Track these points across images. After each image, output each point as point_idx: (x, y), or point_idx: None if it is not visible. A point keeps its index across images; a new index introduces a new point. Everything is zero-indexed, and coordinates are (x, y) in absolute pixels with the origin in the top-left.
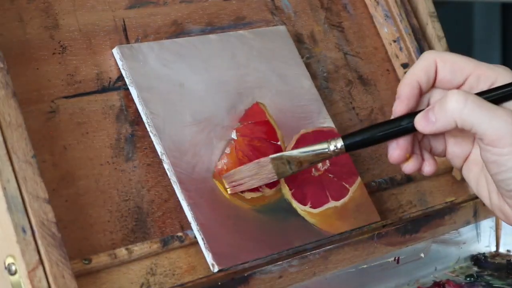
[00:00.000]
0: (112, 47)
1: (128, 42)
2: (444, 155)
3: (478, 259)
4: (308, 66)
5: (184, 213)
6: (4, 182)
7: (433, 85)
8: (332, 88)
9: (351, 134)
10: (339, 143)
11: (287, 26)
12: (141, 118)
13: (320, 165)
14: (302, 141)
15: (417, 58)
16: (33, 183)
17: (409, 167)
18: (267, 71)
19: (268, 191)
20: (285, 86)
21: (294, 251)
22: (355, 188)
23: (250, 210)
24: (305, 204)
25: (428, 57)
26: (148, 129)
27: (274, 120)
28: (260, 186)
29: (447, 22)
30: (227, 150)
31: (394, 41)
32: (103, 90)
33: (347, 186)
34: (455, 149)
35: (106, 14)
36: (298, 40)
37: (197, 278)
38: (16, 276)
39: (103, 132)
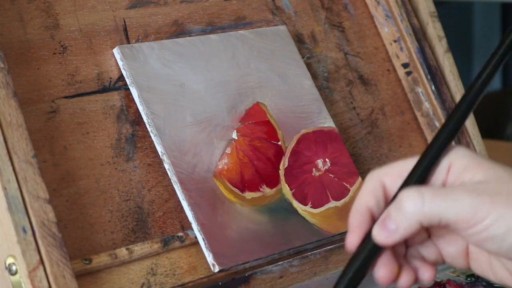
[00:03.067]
0: (113, 47)
1: (128, 42)
2: (443, 261)
3: None
4: (308, 66)
5: (185, 213)
6: (5, 182)
7: (386, 205)
8: (333, 88)
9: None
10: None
11: (288, 26)
12: (142, 118)
13: (320, 165)
14: (302, 141)
15: (418, 58)
16: (34, 183)
17: (403, 282)
18: (267, 71)
19: (268, 191)
20: (286, 86)
21: (294, 251)
22: (355, 188)
23: (250, 210)
24: (305, 204)
25: (371, 178)
26: (149, 129)
27: (274, 120)
28: (261, 186)
29: (447, 22)
30: (228, 150)
31: (395, 41)
32: (104, 90)
33: (347, 186)
34: (450, 249)
35: (107, 14)
36: (298, 40)
37: (197, 278)
38: (17, 276)
39: (103, 132)
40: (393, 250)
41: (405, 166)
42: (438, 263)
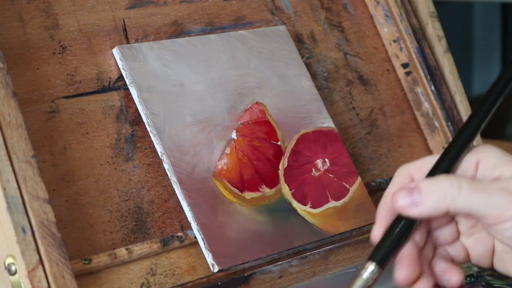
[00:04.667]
0: (112, 47)
1: (128, 42)
2: (468, 260)
3: None
4: (308, 66)
5: (184, 213)
6: (4, 182)
7: None
8: (332, 88)
9: (376, 251)
10: (371, 266)
11: (287, 26)
12: (141, 118)
13: (320, 165)
14: (302, 141)
15: (417, 58)
16: (33, 183)
17: (421, 286)
18: (267, 71)
19: (268, 191)
20: (285, 86)
21: (294, 251)
22: (355, 188)
23: (250, 210)
24: (305, 204)
25: (401, 172)
26: (148, 129)
27: (274, 120)
28: (260, 186)
29: (447, 22)
30: (227, 150)
31: (394, 41)
32: (103, 90)
33: (347, 186)
34: (477, 249)
35: (106, 14)
36: (298, 40)
37: (197, 278)
38: (16, 276)
39: (103, 132)
40: (421, 252)
41: (431, 160)
42: (465, 262)
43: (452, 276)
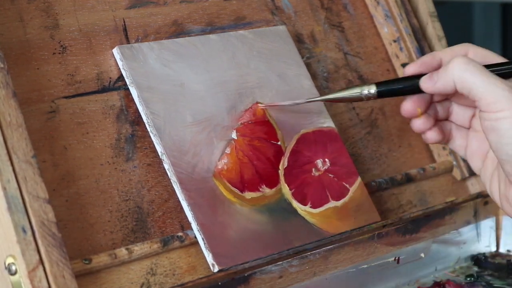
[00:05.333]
0: (113, 47)
1: (128, 42)
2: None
3: (478, 259)
4: (308, 66)
5: (184, 213)
6: (4, 182)
7: None
8: (333, 88)
9: (383, 82)
10: (372, 89)
11: (288, 26)
12: (141, 118)
13: (320, 165)
14: (302, 141)
15: (417, 58)
16: (33, 183)
17: (417, 123)
18: (267, 71)
19: (268, 191)
20: (285, 86)
21: (294, 251)
22: (355, 188)
23: (250, 210)
24: (305, 204)
25: (462, 45)
26: (148, 129)
27: (274, 120)
28: (260, 186)
29: (447, 22)
30: (227, 150)
31: (394, 41)
32: (104, 90)
33: (347, 186)
34: (474, 144)
35: (106, 14)
36: (298, 40)
37: (197, 278)
38: (16, 276)
39: (103, 132)
40: (430, 106)
41: (492, 55)
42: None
43: (431, 132)
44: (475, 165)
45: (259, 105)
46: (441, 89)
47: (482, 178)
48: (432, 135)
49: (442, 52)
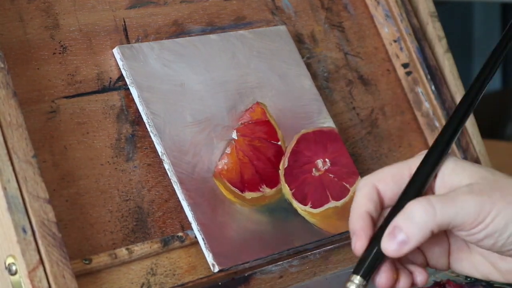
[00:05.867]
0: (113, 47)
1: (128, 42)
2: (427, 264)
3: None
4: (308, 66)
5: (185, 213)
6: (5, 182)
7: (381, 210)
8: (333, 88)
9: (360, 264)
10: (356, 280)
11: (288, 26)
12: (142, 118)
13: (320, 165)
14: (302, 141)
15: (418, 58)
16: (34, 183)
17: (401, 285)
18: (267, 71)
19: (268, 191)
20: (286, 86)
21: (294, 251)
22: (355, 188)
23: (250, 210)
24: (305, 204)
25: (365, 184)
26: (149, 129)
27: (274, 120)
28: (260, 186)
29: (447, 22)
30: (228, 150)
31: (395, 41)
32: (104, 90)
33: (347, 186)
34: (435, 250)
35: (107, 14)
36: (298, 40)
37: (197, 278)
38: (17, 276)
39: (103, 132)
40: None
41: (395, 170)
42: (423, 266)
43: (419, 274)
44: (443, 267)
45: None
46: (418, 244)
47: (458, 270)
48: (406, 282)
49: (361, 207)
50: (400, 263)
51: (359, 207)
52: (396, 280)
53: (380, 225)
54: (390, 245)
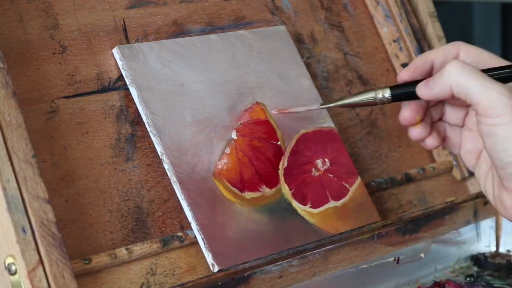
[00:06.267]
0: (112, 47)
1: (128, 42)
2: (458, 150)
3: (478, 259)
4: (308, 66)
5: (184, 213)
6: (4, 182)
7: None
8: (332, 88)
9: (397, 86)
10: (387, 93)
11: (287, 26)
12: (141, 118)
13: (320, 165)
14: (302, 141)
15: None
16: (33, 183)
17: (415, 132)
18: (267, 71)
19: (268, 191)
20: (285, 86)
21: (294, 251)
22: (355, 188)
23: (250, 210)
24: (305, 204)
25: (453, 43)
26: (148, 129)
27: (274, 120)
28: (260, 186)
29: (447, 22)
30: (227, 150)
31: (394, 41)
32: (103, 90)
33: (347, 186)
34: (468, 143)
35: (106, 14)
36: (298, 40)
37: (197, 278)
38: (16, 276)
39: (103, 132)
40: (431, 109)
41: (484, 56)
42: (452, 148)
43: (430, 138)
44: (469, 163)
45: (273, 111)
46: (438, 96)
47: (476, 176)
48: (431, 142)
49: (433, 53)
50: (431, 125)
51: (430, 52)
52: (416, 123)
53: None
54: (420, 89)
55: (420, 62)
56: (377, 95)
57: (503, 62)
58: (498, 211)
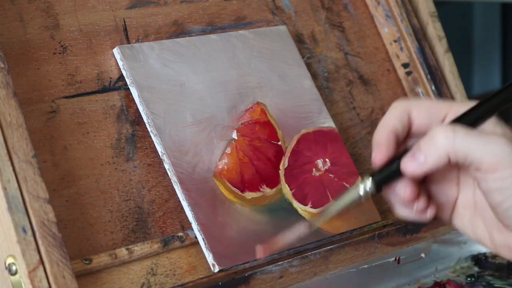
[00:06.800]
0: (113, 47)
1: (128, 42)
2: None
3: (479, 259)
4: (308, 66)
5: (185, 213)
6: (5, 182)
7: (407, 136)
8: (333, 88)
9: (378, 172)
10: (368, 186)
11: (288, 26)
12: (142, 118)
13: (320, 165)
14: (302, 141)
15: (418, 58)
16: (34, 183)
17: (420, 205)
18: (267, 71)
19: (268, 191)
20: (286, 86)
21: (294, 251)
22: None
23: (251, 210)
24: (305, 204)
25: (399, 105)
26: (149, 129)
27: (274, 120)
28: (261, 186)
29: (447, 22)
30: (228, 150)
31: (395, 41)
32: (104, 90)
33: (347, 186)
34: (440, 197)
35: (107, 14)
36: (298, 40)
37: (197, 278)
38: (17, 276)
39: (103, 132)
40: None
41: (434, 104)
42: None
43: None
44: (444, 217)
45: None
46: (433, 168)
47: (458, 226)
48: (423, 204)
49: (390, 123)
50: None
51: (387, 124)
52: (416, 199)
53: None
54: (409, 165)
55: (386, 138)
56: (359, 192)
57: (455, 104)
58: (501, 255)
